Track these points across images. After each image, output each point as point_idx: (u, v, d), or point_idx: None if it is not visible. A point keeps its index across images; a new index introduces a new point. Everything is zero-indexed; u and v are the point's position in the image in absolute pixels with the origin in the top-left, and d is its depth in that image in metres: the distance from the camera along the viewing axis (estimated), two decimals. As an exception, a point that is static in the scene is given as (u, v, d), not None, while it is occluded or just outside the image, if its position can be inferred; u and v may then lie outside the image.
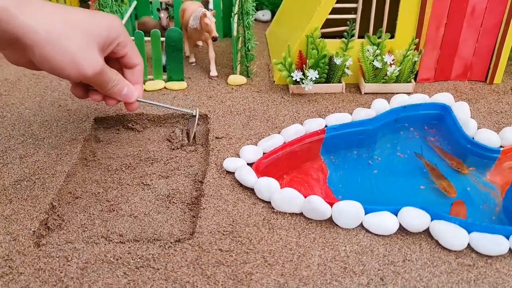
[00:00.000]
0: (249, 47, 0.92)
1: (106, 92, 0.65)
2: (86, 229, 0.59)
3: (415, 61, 0.86)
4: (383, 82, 0.87)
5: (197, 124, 0.73)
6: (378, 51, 0.86)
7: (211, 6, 1.08)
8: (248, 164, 0.68)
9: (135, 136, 0.78)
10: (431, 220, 0.57)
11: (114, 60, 0.67)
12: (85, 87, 0.66)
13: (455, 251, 0.55)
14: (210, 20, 0.88)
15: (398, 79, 0.87)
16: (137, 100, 0.69)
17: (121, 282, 0.51)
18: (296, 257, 0.54)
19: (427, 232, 0.57)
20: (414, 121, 0.80)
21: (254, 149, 0.70)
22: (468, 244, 0.55)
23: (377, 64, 0.85)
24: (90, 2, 1.09)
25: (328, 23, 0.87)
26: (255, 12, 0.92)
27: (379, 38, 0.88)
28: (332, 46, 0.87)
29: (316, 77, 0.84)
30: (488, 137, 0.72)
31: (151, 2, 1.13)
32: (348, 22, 0.86)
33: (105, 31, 0.60)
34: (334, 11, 0.86)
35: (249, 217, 0.60)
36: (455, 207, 0.62)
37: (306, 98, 0.87)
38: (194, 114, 0.72)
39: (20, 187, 0.64)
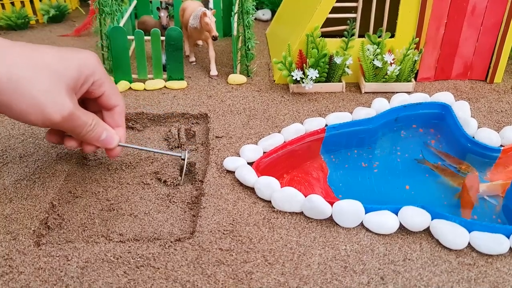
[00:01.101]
0: (249, 46, 0.92)
1: (82, 138, 0.59)
2: (86, 228, 0.59)
3: (415, 60, 0.86)
4: (383, 81, 0.87)
5: (187, 165, 0.68)
6: (378, 50, 0.86)
7: (211, 5, 1.08)
8: (248, 163, 0.68)
9: (135, 135, 0.78)
10: (432, 219, 0.57)
11: (92, 101, 0.62)
12: (60, 132, 0.61)
13: (456, 250, 0.54)
14: (210, 19, 0.88)
15: (398, 78, 0.87)
16: (120, 145, 0.63)
17: (121, 281, 0.51)
18: (297, 256, 0.54)
19: (427, 231, 0.57)
20: (415, 120, 0.80)
21: (254, 148, 0.70)
22: (469, 243, 0.55)
23: (378, 63, 0.85)
24: (90, 2, 1.09)
25: (328, 22, 0.87)
26: (255, 11, 0.92)
27: (379, 37, 0.88)
28: (332, 45, 0.87)
29: (316, 76, 0.84)
30: (488, 136, 0.72)
31: (151, 1, 1.13)
32: (349, 21, 0.86)
33: (76, 70, 0.55)
34: (334, 10, 0.86)
35: (249, 216, 0.60)
36: (469, 180, 0.62)
37: (306, 97, 0.87)
38: (183, 157, 0.67)
39: (20, 186, 0.64)
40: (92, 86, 0.58)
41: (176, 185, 0.67)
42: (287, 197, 0.60)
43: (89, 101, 0.62)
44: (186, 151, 0.67)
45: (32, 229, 0.57)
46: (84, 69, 0.56)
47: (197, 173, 0.69)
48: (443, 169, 0.69)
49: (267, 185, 0.61)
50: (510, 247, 0.54)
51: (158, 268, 0.52)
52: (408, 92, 0.87)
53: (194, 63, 1.01)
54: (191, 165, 0.71)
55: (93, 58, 0.58)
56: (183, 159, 0.67)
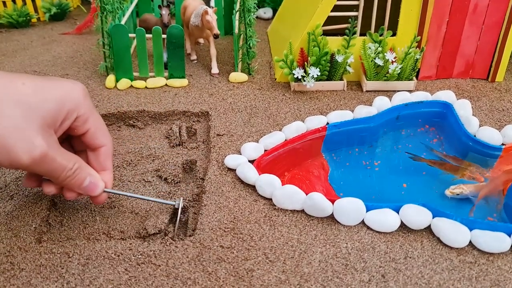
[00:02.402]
0: (251, 45, 0.92)
1: (60, 183, 0.52)
2: (87, 226, 0.59)
3: (417, 59, 0.86)
4: (384, 80, 0.87)
5: (181, 215, 0.60)
6: (379, 49, 0.86)
7: (212, 3, 1.08)
8: (249, 161, 0.68)
9: (136, 133, 0.78)
10: (433, 217, 0.57)
11: (78, 139, 0.55)
12: (39, 176, 0.54)
13: (457, 248, 0.54)
14: (212, 18, 0.88)
15: (399, 76, 0.87)
16: (106, 191, 0.56)
17: (122, 278, 0.51)
18: (298, 254, 0.54)
19: (428, 229, 0.57)
20: (416, 119, 0.79)
21: (255, 146, 0.70)
22: (470, 242, 0.55)
23: (379, 61, 0.85)
24: (91, 0, 1.09)
25: (330, 20, 0.87)
26: (257, 9, 0.92)
27: (381, 35, 0.88)
28: (333, 43, 0.87)
29: (317, 75, 0.84)
30: (490, 135, 0.72)
31: (152, 0, 1.13)
32: (350, 19, 0.86)
33: (55, 103, 0.48)
34: (336, 8, 0.86)
35: (250, 214, 0.60)
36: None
37: (308, 95, 0.87)
38: (176, 207, 0.59)
39: (21, 183, 0.64)
40: (75, 122, 0.51)
41: (176, 182, 0.67)
42: (288, 195, 0.60)
43: (75, 139, 0.56)
44: (181, 199, 0.60)
45: (33, 226, 0.57)
46: (66, 102, 0.49)
47: (198, 171, 0.69)
48: (441, 164, 0.68)
49: (268, 183, 0.61)
50: (511, 245, 0.54)
51: (159, 265, 0.52)
52: (410, 91, 0.86)
53: (196, 61, 1.01)
54: (192, 163, 0.71)
55: (78, 89, 0.51)
56: (177, 208, 0.60)
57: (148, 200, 0.61)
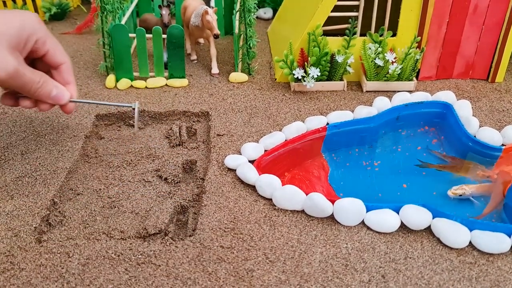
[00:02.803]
0: (251, 45, 0.92)
1: (32, 95, 0.61)
2: (88, 226, 0.59)
3: (417, 59, 0.86)
4: (384, 80, 0.87)
5: (140, 116, 0.70)
6: (380, 49, 0.86)
7: (212, 3, 1.08)
8: (249, 161, 0.68)
9: (136, 133, 0.78)
10: (433, 218, 0.57)
11: (40, 61, 0.64)
12: (14, 94, 0.64)
13: (457, 249, 0.55)
14: (212, 18, 0.88)
15: (400, 77, 0.87)
16: (72, 101, 0.65)
17: (122, 278, 0.51)
18: (298, 254, 0.54)
19: (428, 229, 0.57)
20: (416, 119, 0.79)
21: (255, 147, 0.70)
22: (470, 242, 0.55)
23: (379, 62, 0.85)
24: (91, 0, 1.09)
25: (330, 20, 0.87)
26: (257, 9, 0.92)
27: (381, 36, 0.88)
28: (334, 43, 0.87)
29: (317, 75, 0.84)
30: (490, 135, 0.72)
31: (152, 0, 1.13)
32: (350, 19, 0.86)
33: (17, 29, 0.57)
34: (336, 8, 0.86)
35: (250, 214, 0.60)
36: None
37: (308, 95, 0.87)
38: (133, 107, 0.69)
39: (21, 183, 0.64)
40: (35, 44, 0.60)
41: (176, 182, 0.67)
42: (288, 195, 0.60)
43: (37, 62, 0.64)
44: (137, 102, 0.69)
45: (34, 226, 0.57)
46: (26, 28, 0.58)
47: (199, 171, 0.69)
48: (451, 167, 0.68)
49: (268, 183, 0.61)
50: (511, 246, 0.54)
51: (159, 266, 0.52)
52: (410, 91, 0.86)
53: (196, 61, 1.01)
54: (192, 163, 0.71)
55: (34, 18, 0.60)
56: (133, 109, 0.69)
57: (107, 104, 0.72)
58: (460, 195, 0.63)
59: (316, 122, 0.75)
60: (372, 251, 0.54)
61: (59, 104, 0.64)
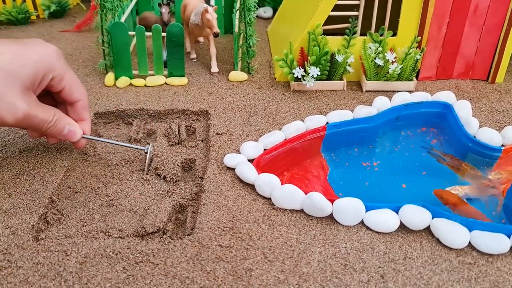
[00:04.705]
0: (251, 44, 0.91)
1: (43, 133, 0.61)
2: (86, 224, 0.59)
3: (417, 59, 0.86)
4: (384, 80, 0.87)
5: (151, 159, 0.68)
6: (380, 49, 0.86)
7: (212, 2, 1.08)
8: (248, 160, 0.67)
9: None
10: (432, 218, 0.57)
11: (55, 95, 0.62)
12: None
13: (456, 249, 0.54)
14: (212, 16, 0.88)
15: (399, 77, 0.87)
16: (84, 137, 0.65)
17: (120, 277, 0.51)
18: (296, 254, 0.54)
19: (428, 230, 0.57)
20: (416, 119, 0.79)
21: (254, 145, 0.70)
22: (469, 243, 0.55)
23: (379, 61, 0.85)
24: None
25: (330, 20, 0.87)
26: (257, 8, 0.92)
27: (381, 35, 0.88)
28: (334, 43, 0.87)
29: (317, 74, 0.84)
30: (489, 136, 0.72)
31: (152, -2, 1.13)
32: (350, 19, 0.86)
33: (32, 68, 0.55)
34: (336, 8, 0.86)
35: (249, 213, 0.59)
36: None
37: (307, 95, 0.87)
38: (146, 151, 0.67)
39: (19, 181, 0.64)
40: (51, 81, 0.58)
41: (175, 181, 0.66)
42: (287, 194, 0.59)
43: (51, 95, 0.62)
44: (150, 145, 0.67)
45: (31, 224, 0.57)
46: (42, 66, 0.56)
47: (197, 169, 0.69)
48: (453, 165, 0.68)
49: (268, 182, 0.61)
50: (511, 247, 0.54)
51: (157, 264, 0.52)
52: (410, 91, 0.86)
53: (195, 60, 1.01)
54: (191, 162, 0.71)
55: (52, 53, 0.57)
56: (146, 153, 0.67)
57: (119, 145, 0.69)
58: None
59: (315, 121, 0.75)
60: (371, 251, 0.54)
61: (70, 141, 0.64)
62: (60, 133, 0.62)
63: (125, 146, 0.69)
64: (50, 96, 0.64)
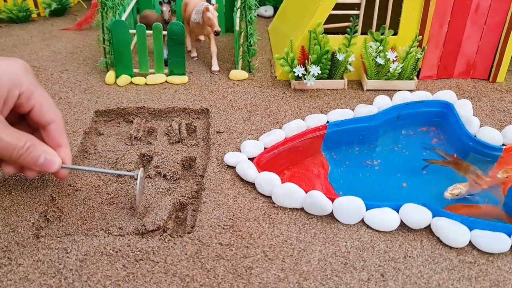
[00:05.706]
0: (251, 42, 0.91)
1: (15, 162, 0.52)
2: (86, 222, 0.59)
3: (418, 58, 0.86)
4: (385, 79, 0.87)
5: (143, 187, 0.58)
6: (381, 48, 0.86)
7: (213, 0, 1.07)
8: (249, 158, 0.67)
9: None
10: (433, 217, 0.57)
11: (28, 119, 0.54)
12: None
13: (457, 248, 0.54)
14: (213, 14, 0.87)
15: (400, 76, 0.87)
16: (64, 167, 0.56)
17: (120, 274, 0.51)
18: (297, 252, 0.54)
19: (428, 228, 0.57)
20: (417, 118, 0.79)
21: (255, 144, 0.70)
22: (470, 242, 0.54)
23: (380, 60, 0.85)
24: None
25: (331, 18, 0.87)
26: (258, 7, 0.91)
27: (382, 34, 0.88)
28: (334, 42, 0.87)
29: (318, 73, 0.84)
30: (490, 135, 0.72)
31: (153, -4, 1.13)
32: (351, 18, 0.85)
33: None
34: (337, 6, 0.86)
35: (249, 211, 0.59)
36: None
37: (308, 93, 0.86)
38: (135, 177, 0.56)
39: (19, 178, 0.64)
40: (18, 99, 0.50)
41: (176, 179, 0.66)
42: (287, 192, 0.59)
43: (27, 117, 0.55)
44: (141, 170, 0.57)
45: (32, 221, 0.57)
46: (4, 81, 0.49)
47: (198, 168, 0.69)
48: (454, 164, 0.68)
49: (268, 181, 0.61)
50: (511, 246, 0.54)
51: (157, 262, 0.52)
52: (410, 90, 0.86)
53: (196, 58, 1.01)
54: (192, 160, 0.70)
55: (19, 67, 0.50)
56: (136, 179, 0.56)
57: (106, 173, 0.59)
58: (457, 195, 0.63)
59: (316, 120, 0.75)
60: (371, 249, 0.54)
61: (47, 171, 0.55)
62: (35, 163, 0.53)
63: (111, 173, 0.60)
64: (26, 123, 0.56)
